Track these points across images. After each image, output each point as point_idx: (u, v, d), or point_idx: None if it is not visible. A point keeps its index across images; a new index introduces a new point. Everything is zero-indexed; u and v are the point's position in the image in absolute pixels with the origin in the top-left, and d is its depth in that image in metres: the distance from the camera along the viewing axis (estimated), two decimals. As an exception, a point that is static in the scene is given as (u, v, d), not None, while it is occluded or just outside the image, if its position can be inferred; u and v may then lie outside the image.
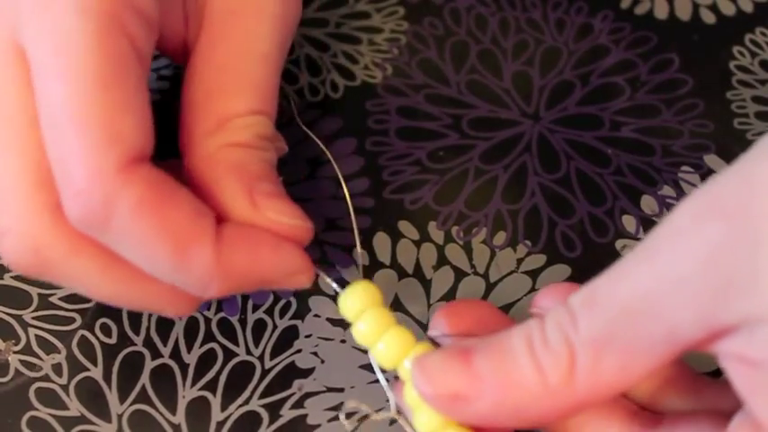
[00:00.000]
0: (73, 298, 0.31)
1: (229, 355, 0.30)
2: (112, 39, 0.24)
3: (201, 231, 0.25)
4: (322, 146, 0.32)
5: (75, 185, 0.23)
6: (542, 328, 0.23)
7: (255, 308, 0.31)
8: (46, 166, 0.24)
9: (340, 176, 0.30)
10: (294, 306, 0.31)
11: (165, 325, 0.30)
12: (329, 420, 0.28)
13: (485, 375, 0.23)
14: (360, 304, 0.27)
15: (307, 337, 0.30)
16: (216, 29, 0.28)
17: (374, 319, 0.26)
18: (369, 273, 0.31)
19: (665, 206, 0.33)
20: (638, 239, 0.32)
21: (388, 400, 0.27)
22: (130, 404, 0.29)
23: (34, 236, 0.25)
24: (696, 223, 0.21)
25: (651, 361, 0.22)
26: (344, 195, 0.31)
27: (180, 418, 0.28)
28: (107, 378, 0.29)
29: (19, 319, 0.30)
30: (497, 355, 0.23)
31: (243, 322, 0.30)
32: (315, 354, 0.30)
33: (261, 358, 0.30)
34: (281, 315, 0.30)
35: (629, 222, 0.32)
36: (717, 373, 0.28)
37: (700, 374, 0.26)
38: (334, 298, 0.31)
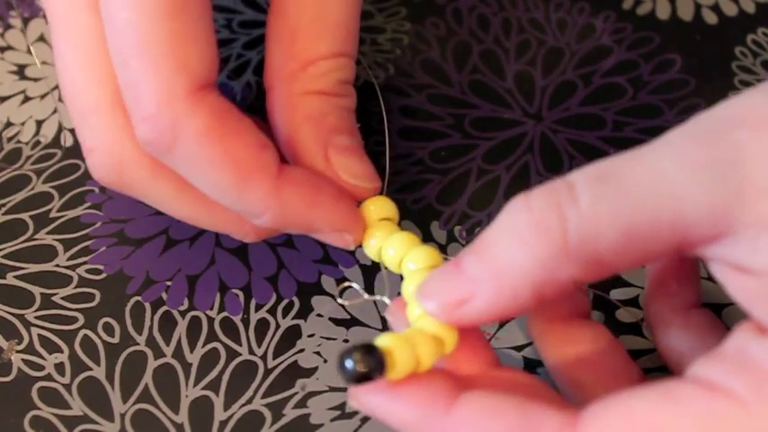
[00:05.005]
0: (75, 297, 0.31)
1: (232, 354, 0.30)
2: None
3: (263, 163, 0.26)
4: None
5: (145, 110, 0.24)
6: (527, 204, 0.23)
7: (258, 307, 0.31)
8: None
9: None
10: (297, 305, 0.31)
11: (167, 324, 0.30)
12: (332, 420, 0.28)
13: (475, 273, 0.23)
14: (376, 214, 0.28)
15: (309, 336, 0.30)
16: None
17: (385, 228, 0.28)
18: (371, 271, 0.31)
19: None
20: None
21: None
22: (133, 403, 0.29)
23: (118, 156, 0.27)
24: (727, 128, 0.21)
25: (651, 246, 0.22)
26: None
27: (183, 417, 0.28)
28: (110, 377, 0.29)
29: (21, 318, 0.30)
30: (482, 248, 0.23)
31: (245, 322, 0.30)
32: (318, 353, 0.30)
33: (264, 358, 0.29)
34: (284, 314, 0.30)
35: (631, 222, 0.32)
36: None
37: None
38: (336, 298, 0.31)
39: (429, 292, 0.25)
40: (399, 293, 0.27)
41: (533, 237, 0.22)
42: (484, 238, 0.24)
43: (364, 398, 0.23)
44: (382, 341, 0.23)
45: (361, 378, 0.22)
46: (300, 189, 0.26)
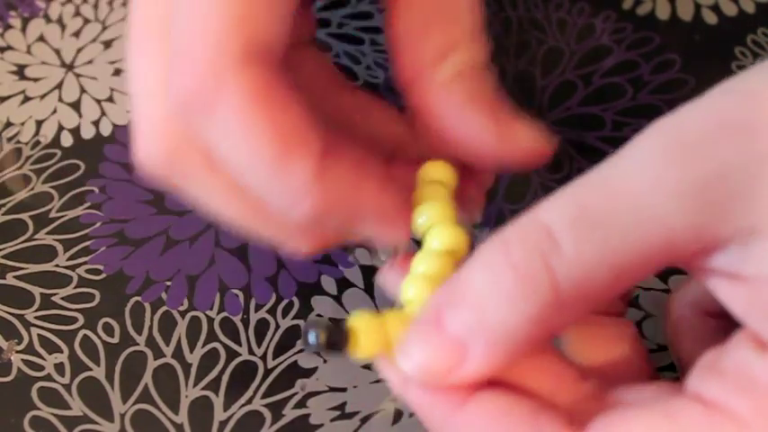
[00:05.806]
0: (75, 297, 0.31)
1: (232, 354, 0.30)
2: None
3: (308, 140, 0.22)
4: None
5: (189, 59, 0.22)
6: (508, 257, 0.21)
7: (258, 307, 0.31)
8: None
9: None
10: (296, 306, 0.31)
11: (167, 324, 0.30)
12: (332, 420, 0.28)
13: (463, 335, 0.22)
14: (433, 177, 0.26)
15: (309, 336, 0.30)
16: None
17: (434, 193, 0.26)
18: (371, 271, 0.31)
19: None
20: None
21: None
22: (133, 404, 0.29)
23: (174, 140, 0.24)
24: (699, 140, 0.21)
25: (642, 272, 0.21)
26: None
27: (182, 417, 0.28)
28: (110, 377, 0.29)
29: (21, 318, 0.30)
30: (468, 307, 0.22)
31: (245, 322, 0.30)
32: (317, 353, 0.30)
33: (263, 358, 0.30)
34: (284, 315, 0.30)
35: (631, 222, 0.32)
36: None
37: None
38: (336, 298, 0.31)
39: (412, 360, 0.23)
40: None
41: (522, 295, 0.21)
42: (465, 294, 0.22)
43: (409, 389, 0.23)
44: (352, 321, 0.22)
45: (320, 351, 0.22)
46: (346, 173, 0.23)
